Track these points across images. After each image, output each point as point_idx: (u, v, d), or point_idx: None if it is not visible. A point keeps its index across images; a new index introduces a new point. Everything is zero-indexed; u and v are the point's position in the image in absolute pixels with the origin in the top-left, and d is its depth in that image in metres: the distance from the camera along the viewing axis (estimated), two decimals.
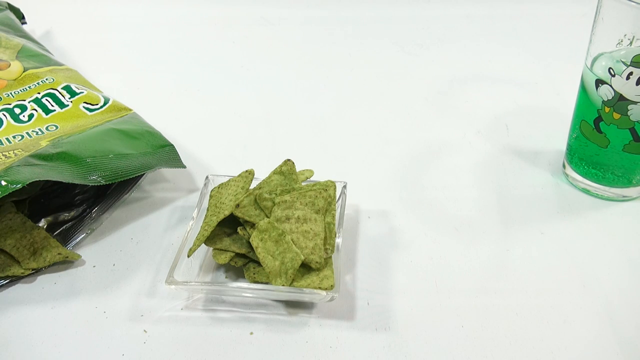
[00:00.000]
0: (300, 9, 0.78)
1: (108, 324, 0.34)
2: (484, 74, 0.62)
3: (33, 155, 0.38)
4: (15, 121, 0.44)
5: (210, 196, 0.38)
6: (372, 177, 0.47)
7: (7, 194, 0.34)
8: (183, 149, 0.48)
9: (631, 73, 0.37)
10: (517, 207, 0.43)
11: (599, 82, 0.39)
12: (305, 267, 0.34)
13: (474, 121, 0.54)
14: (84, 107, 0.46)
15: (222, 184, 0.39)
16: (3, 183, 0.35)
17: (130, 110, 0.48)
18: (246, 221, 0.36)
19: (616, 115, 0.39)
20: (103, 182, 0.39)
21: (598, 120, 0.41)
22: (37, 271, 0.37)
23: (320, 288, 0.33)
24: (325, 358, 0.32)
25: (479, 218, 0.42)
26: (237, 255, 0.36)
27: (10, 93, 0.47)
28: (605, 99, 0.39)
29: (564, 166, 0.47)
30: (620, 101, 0.38)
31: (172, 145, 0.45)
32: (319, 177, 0.41)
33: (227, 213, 0.36)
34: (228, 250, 0.36)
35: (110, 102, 0.47)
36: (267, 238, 0.34)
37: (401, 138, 0.52)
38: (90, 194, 0.43)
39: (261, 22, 0.75)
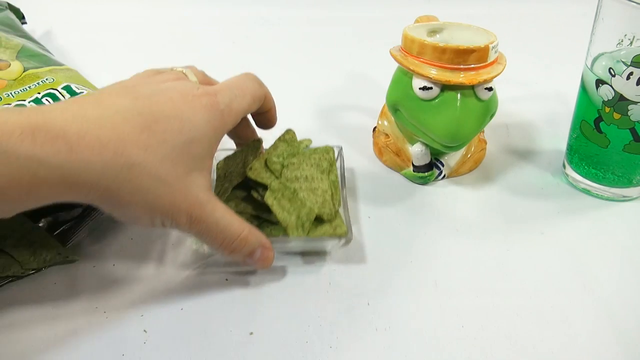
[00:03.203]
0: (301, 9, 0.78)
1: (108, 324, 0.34)
2: None
3: None
4: None
5: (217, 168, 0.40)
6: (373, 177, 0.47)
7: None
8: None
9: (631, 73, 0.37)
10: (517, 207, 0.43)
11: (599, 82, 0.39)
12: (317, 220, 0.37)
13: None
14: None
15: (228, 156, 0.40)
16: None
17: None
18: (258, 183, 0.38)
19: (616, 115, 0.39)
20: None
21: (598, 120, 0.41)
22: (37, 271, 0.37)
23: (335, 234, 0.36)
24: (325, 358, 0.32)
25: (479, 218, 0.42)
26: (252, 217, 0.38)
27: (10, 93, 0.47)
28: (606, 99, 0.39)
29: (564, 166, 0.47)
30: (620, 101, 0.38)
31: None
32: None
33: (240, 179, 0.38)
34: (243, 212, 0.38)
35: None
36: (280, 197, 0.36)
37: None
38: None
39: (261, 22, 0.75)
